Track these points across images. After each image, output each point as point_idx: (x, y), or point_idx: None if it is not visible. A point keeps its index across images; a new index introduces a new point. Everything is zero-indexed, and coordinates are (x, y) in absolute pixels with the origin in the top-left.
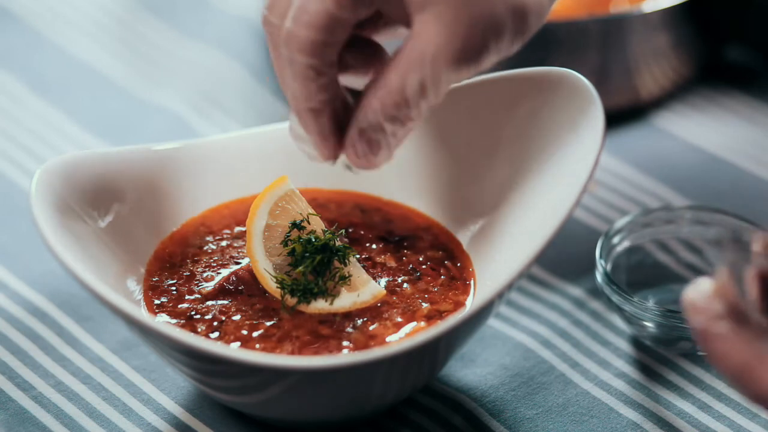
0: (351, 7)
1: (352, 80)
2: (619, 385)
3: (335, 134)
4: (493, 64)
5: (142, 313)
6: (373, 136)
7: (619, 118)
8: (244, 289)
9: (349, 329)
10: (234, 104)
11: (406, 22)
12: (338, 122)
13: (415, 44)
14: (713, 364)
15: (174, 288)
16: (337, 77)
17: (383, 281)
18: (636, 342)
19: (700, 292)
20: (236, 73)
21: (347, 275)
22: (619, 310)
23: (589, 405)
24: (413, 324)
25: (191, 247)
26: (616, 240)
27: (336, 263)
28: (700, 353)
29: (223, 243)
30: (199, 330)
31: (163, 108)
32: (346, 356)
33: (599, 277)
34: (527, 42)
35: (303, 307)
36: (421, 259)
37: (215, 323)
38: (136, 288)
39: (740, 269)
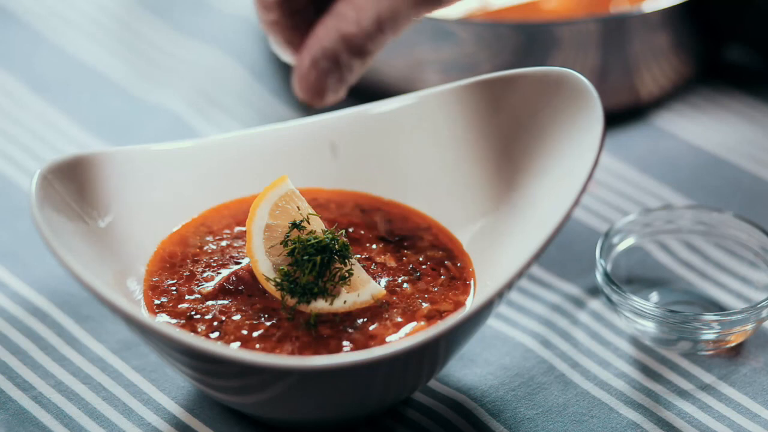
0: None
1: None
2: (619, 385)
3: (298, 41)
4: (455, 2)
5: (142, 313)
6: (326, 65)
7: (619, 118)
8: (244, 289)
9: (349, 329)
10: (234, 104)
11: None
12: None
13: None
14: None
15: (174, 288)
16: None
17: (383, 281)
18: (636, 342)
19: None
20: (236, 73)
21: (347, 275)
22: (619, 310)
23: (589, 405)
24: (413, 324)
25: (191, 247)
26: (616, 240)
27: (336, 263)
28: (700, 353)
29: (223, 243)
30: (199, 330)
31: (163, 108)
32: (346, 356)
33: (599, 276)
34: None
35: (303, 307)
36: (421, 259)
37: (215, 323)
38: (136, 288)
39: None
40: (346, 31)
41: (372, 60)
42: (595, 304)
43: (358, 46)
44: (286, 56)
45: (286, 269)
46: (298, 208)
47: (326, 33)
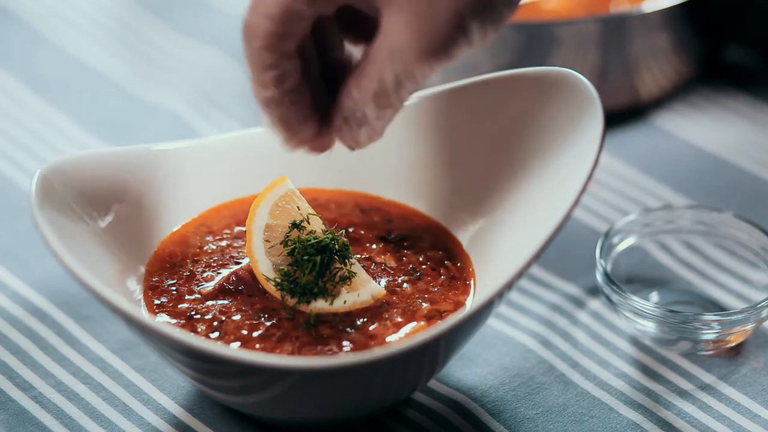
0: (307, 1)
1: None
2: (619, 385)
3: (300, 123)
4: (466, 54)
5: (142, 313)
6: (356, 121)
7: (619, 118)
8: (244, 289)
9: (349, 329)
10: (234, 104)
11: (377, 17)
12: (306, 109)
13: (384, 40)
14: None
15: (174, 288)
16: (299, 67)
17: (383, 281)
18: (636, 342)
19: None
20: (236, 73)
21: (348, 275)
22: (619, 310)
23: (589, 405)
24: (413, 324)
25: (191, 247)
26: (616, 240)
27: (336, 263)
28: (700, 353)
29: (223, 243)
30: (199, 330)
31: (163, 108)
32: (346, 356)
33: (599, 276)
34: (500, 32)
35: (303, 307)
36: (421, 259)
37: (215, 323)
38: (136, 288)
39: None
40: (370, 89)
41: (402, 108)
42: (595, 304)
43: (383, 102)
44: (277, 134)
45: (286, 269)
46: (298, 208)
47: (353, 91)
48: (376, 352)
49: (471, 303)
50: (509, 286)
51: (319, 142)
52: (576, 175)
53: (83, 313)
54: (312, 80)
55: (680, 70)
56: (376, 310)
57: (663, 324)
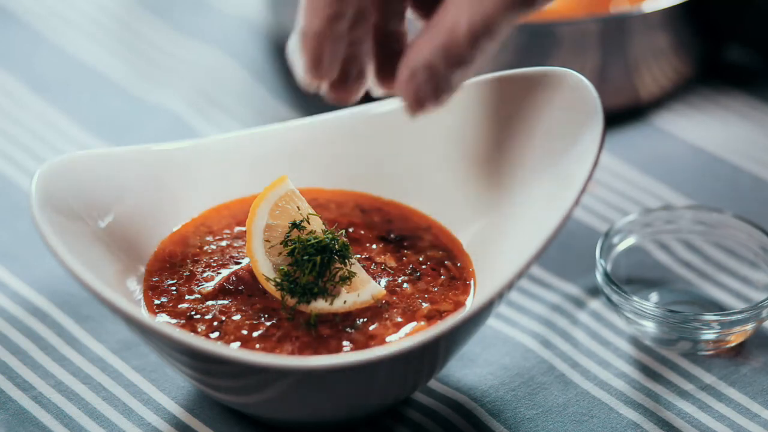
0: None
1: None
2: (619, 385)
3: (329, 65)
4: (547, 4)
5: (142, 313)
6: (423, 77)
7: (619, 118)
8: (244, 289)
9: (349, 329)
10: (234, 104)
11: None
12: (341, 57)
13: None
14: None
15: (174, 288)
16: (354, 18)
17: (383, 281)
18: (636, 342)
19: None
20: (236, 73)
21: (348, 275)
22: (619, 310)
23: (589, 405)
24: (413, 324)
25: (191, 247)
26: (616, 240)
27: (336, 263)
28: (700, 353)
29: (223, 243)
30: (199, 330)
31: (163, 108)
32: (346, 356)
33: (599, 276)
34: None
35: (303, 307)
36: (421, 259)
37: (215, 323)
38: (136, 288)
39: None
40: (441, 41)
41: (472, 70)
42: (595, 304)
43: (454, 56)
44: (300, 63)
45: (286, 269)
46: (298, 208)
47: (422, 45)
48: (376, 352)
49: (471, 303)
50: (509, 286)
51: (340, 91)
52: (576, 175)
53: (83, 313)
54: (359, 39)
55: (680, 70)
56: (376, 310)
57: (663, 324)
